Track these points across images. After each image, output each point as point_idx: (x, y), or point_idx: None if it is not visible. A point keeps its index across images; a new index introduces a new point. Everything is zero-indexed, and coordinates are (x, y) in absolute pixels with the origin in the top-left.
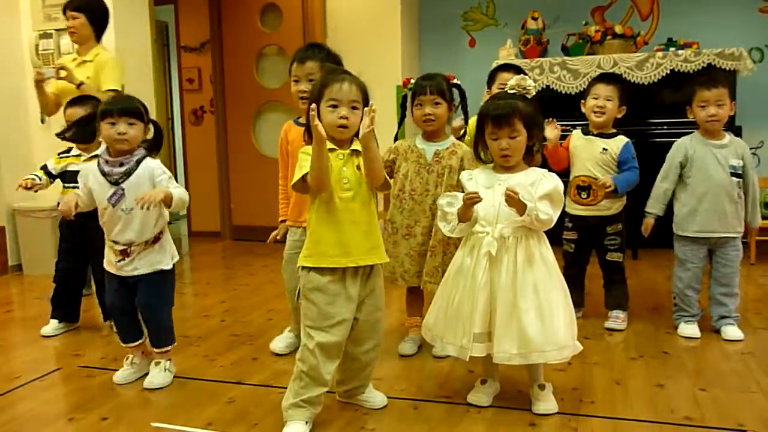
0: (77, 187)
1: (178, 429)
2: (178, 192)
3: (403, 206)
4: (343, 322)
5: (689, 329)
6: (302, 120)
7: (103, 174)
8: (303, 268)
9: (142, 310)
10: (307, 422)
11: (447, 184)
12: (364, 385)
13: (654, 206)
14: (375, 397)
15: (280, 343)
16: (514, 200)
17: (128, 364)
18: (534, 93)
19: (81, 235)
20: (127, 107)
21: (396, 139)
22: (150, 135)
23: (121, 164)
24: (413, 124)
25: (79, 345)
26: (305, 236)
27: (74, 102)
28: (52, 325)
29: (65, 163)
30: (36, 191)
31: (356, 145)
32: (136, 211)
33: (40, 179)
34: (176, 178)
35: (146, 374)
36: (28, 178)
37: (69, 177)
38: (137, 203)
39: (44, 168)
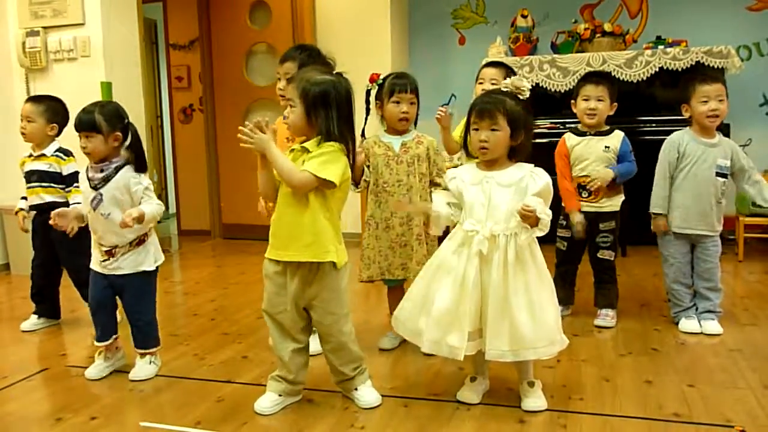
0: (36, 186)
1: (167, 428)
2: (150, 210)
3: (379, 199)
4: (285, 312)
5: (689, 324)
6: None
7: (88, 178)
8: None
9: (129, 313)
10: (281, 395)
11: (418, 173)
12: (353, 380)
13: (660, 206)
14: (365, 395)
15: None
16: (529, 217)
17: (101, 359)
18: (528, 95)
19: (53, 232)
20: (79, 122)
21: (363, 134)
22: (122, 141)
23: (101, 170)
24: (374, 119)
25: (66, 345)
26: None
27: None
28: (31, 321)
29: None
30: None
31: (306, 142)
32: (114, 216)
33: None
34: (165, 177)
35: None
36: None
37: (28, 177)
38: (120, 226)
39: (23, 199)
